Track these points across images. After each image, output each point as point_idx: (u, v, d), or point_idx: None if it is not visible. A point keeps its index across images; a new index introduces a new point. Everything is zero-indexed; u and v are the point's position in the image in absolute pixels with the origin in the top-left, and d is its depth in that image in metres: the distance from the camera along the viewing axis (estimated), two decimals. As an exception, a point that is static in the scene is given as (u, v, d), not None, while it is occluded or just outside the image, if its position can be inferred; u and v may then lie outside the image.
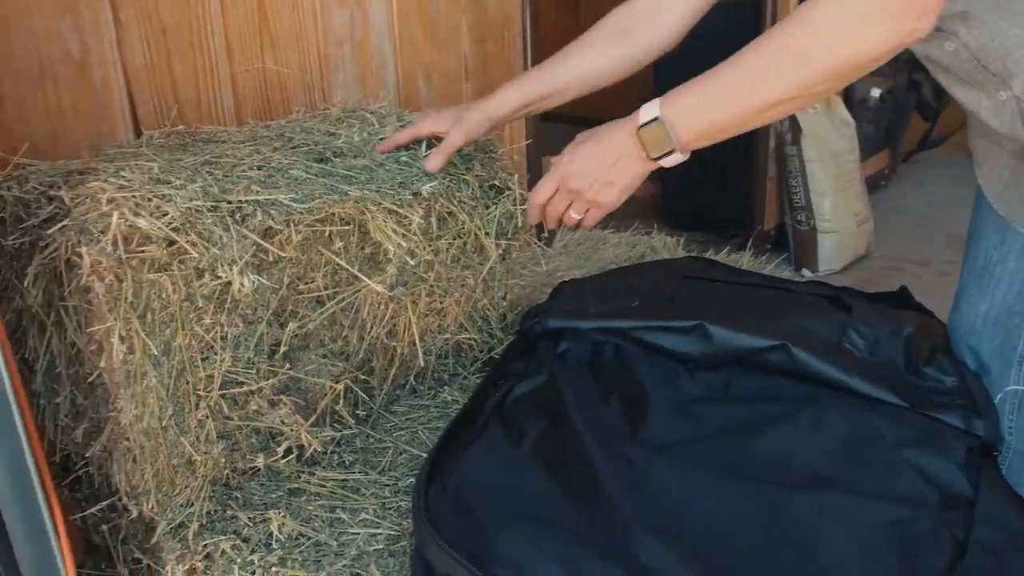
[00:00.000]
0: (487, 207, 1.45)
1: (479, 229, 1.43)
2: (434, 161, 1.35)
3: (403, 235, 1.30)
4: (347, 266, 1.26)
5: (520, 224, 1.50)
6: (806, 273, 3.30)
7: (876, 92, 3.71)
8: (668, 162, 1.10)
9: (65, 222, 1.10)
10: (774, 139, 3.32)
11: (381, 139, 1.45)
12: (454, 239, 1.41)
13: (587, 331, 1.39)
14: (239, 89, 1.70)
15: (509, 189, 1.48)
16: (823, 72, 0.97)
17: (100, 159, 1.35)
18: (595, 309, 1.43)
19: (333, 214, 1.22)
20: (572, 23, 4.62)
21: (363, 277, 1.28)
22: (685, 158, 1.09)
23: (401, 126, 1.52)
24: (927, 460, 1.14)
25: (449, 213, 1.39)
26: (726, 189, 3.42)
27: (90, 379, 1.19)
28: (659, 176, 3.84)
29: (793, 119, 3.22)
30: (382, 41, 1.94)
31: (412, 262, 1.33)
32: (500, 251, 1.48)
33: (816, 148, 3.24)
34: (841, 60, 0.96)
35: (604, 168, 1.12)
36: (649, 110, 1.07)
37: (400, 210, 1.30)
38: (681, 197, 3.63)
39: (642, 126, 1.07)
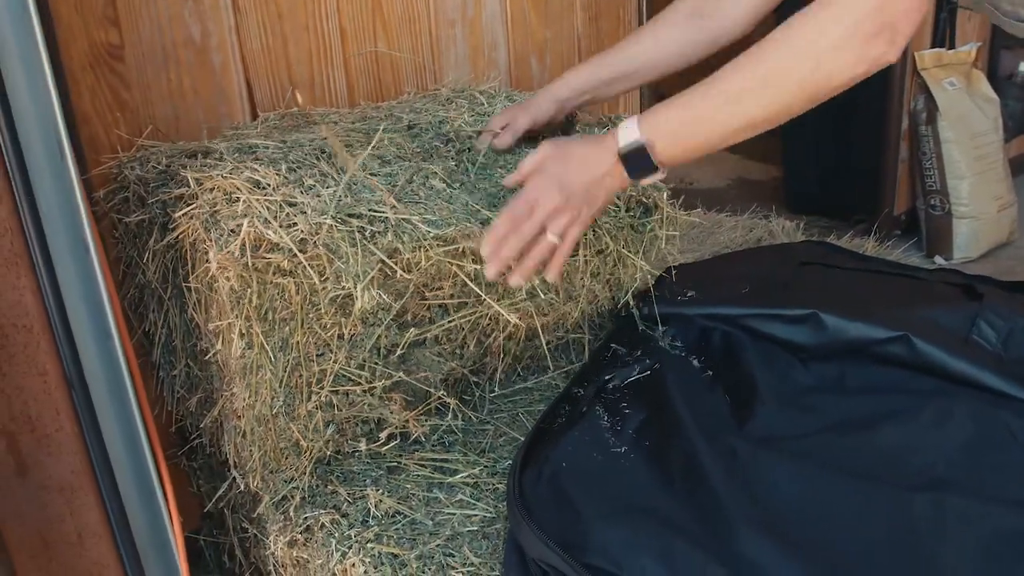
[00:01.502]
0: (634, 228, 1.37)
1: (624, 248, 1.36)
2: (502, 140, 1.34)
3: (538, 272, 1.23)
4: (476, 288, 1.20)
5: (664, 246, 1.40)
6: (939, 261, 3.11)
7: (1024, 67, 3.45)
8: (646, 181, 1.10)
9: (192, 207, 1.12)
10: (907, 119, 3.14)
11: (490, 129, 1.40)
12: (595, 255, 1.35)
13: (694, 317, 1.35)
14: (352, 71, 1.72)
15: (658, 208, 1.38)
16: (795, 97, 0.99)
17: (218, 140, 1.39)
18: (703, 295, 1.38)
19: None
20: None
21: (493, 303, 1.23)
22: (663, 176, 1.10)
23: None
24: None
25: (593, 234, 1.33)
26: (852, 171, 3.25)
27: (207, 356, 1.22)
28: (780, 157, 3.70)
29: (929, 96, 3.04)
30: (494, 21, 1.92)
31: (543, 294, 1.29)
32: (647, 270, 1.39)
33: (954, 128, 3.04)
34: (812, 86, 0.98)
35: (592, 182, 1.10)
36: (628, 132, 1.06)
37: None
38: (803, 179, 3.47)
39: (624, 150, 1.07)
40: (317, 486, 1.19)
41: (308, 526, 1.13)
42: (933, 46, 3.11)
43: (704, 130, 1.04)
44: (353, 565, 1.06)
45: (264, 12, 1.58)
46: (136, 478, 1.07)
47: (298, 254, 1.04)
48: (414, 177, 1.22)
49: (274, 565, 1.22)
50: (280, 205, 1.08)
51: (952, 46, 3.15)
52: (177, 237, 1.16)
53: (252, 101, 1.60)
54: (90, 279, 0.98)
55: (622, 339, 1.37)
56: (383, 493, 1.15)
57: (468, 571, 1.03)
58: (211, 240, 1.06)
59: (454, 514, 1.12)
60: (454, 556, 1.05)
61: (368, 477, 1.21)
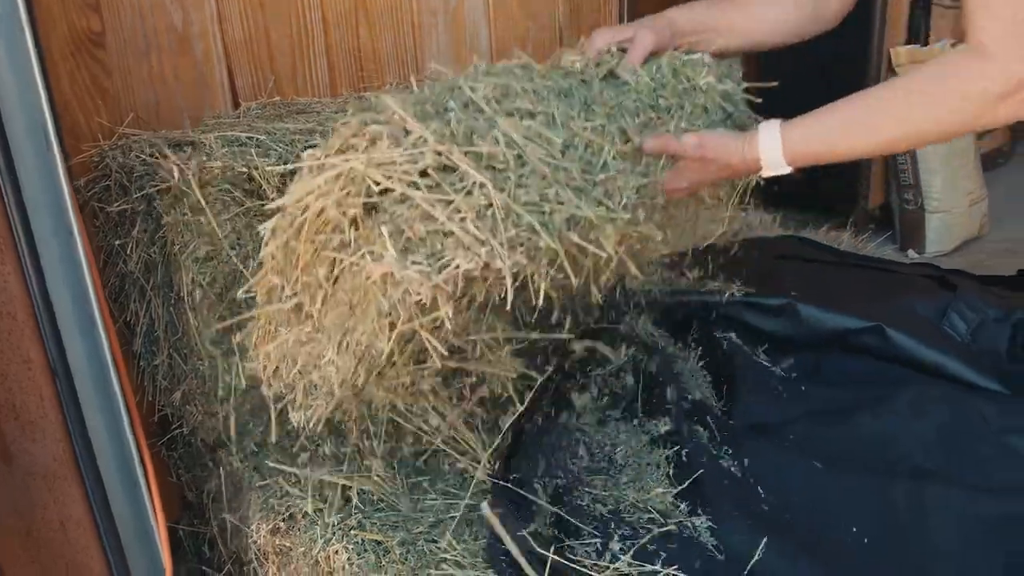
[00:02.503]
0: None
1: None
2: (634, 58, 1.22)
3: None
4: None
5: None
6: (912, 254, 3.16)
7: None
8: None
9: None
10: (882, 114, 3.17)
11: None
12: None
13: (673, 304, 1.36)
14: (334, 61, 1.72)
15: None
16: (930, 138, 1.06)
17: (201, 129, 1.39)
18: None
19: None
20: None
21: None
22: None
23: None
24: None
25: None
26: (829, 166, 3.29)
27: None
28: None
29: (904, 93, 3.07)
30: (475, 11, 1.93)
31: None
32: None
33: (928, 124, 3.08)
34: (952, 129, 1.03)
35: (723, 177, 1.20)
36: (775, 160, 1.12)
37: None
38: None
39: (769, 175, 1.16)
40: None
41: (291, 514, 1.14)
42: (908, 42, 3.15)
43: (838, 155, 1.11)
44: (336, 552, 1.07)
45: (246, 0, 1.58)
46: (119, 467, 1.07)
47: None
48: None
49: (255, 554, 1.23)
50: None
51: (926, 43, 3.19)
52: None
53: (234, 90, 1.59)
54: (74, 267, 0.97)
55: (602, 327, 1.39)
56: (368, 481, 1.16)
57: (451, 557, 1.04)
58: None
59: (436, 501, 1.13)
60: (437, 543, 1.06)
61: (352, 464, 1.21)
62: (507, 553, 1.02)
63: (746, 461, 1.10)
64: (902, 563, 0.99)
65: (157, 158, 1.25)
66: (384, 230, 0.90)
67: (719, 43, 1.30)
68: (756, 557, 0.96)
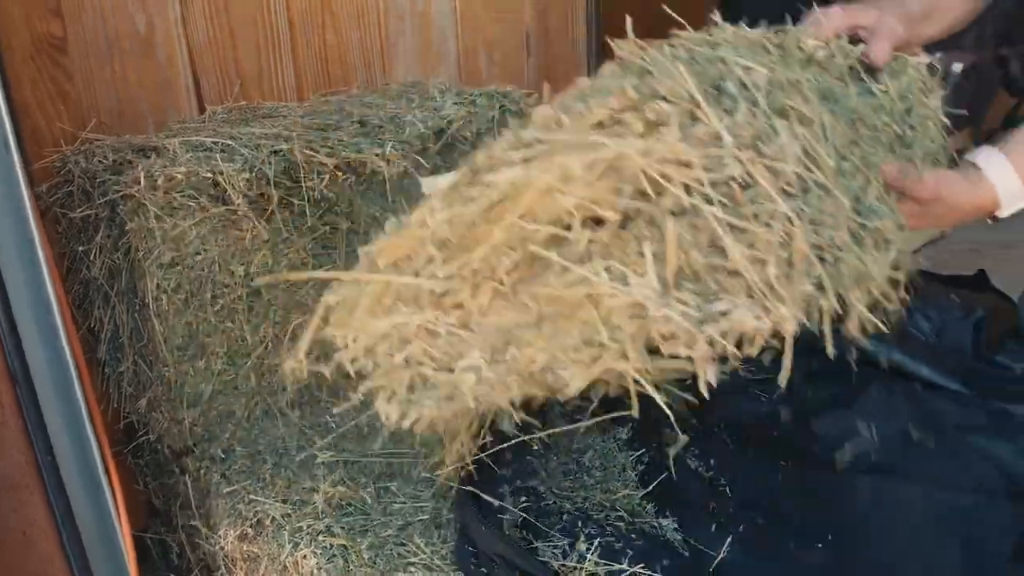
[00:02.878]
0: None
1: None
2: (882, 53, 0.98)
3: None
4: None
5: None
6: (878, 255, 3.21)
7: (958, 67, 3.54)
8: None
9: None
10: (848, 117, 3.20)
11: None
12: None
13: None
14: (300, 65, 1.71)
15: None
16: None
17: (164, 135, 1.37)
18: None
19: None
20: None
21: None
22: None
23: (456, 104, 1.51)
24: (995, 447, 1.09)
25: None
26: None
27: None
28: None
29: (868, 96, 3.11)
30: (443, 16, 1.93)
31: None
32: None
33: (892, 126, 3.12)
34: None
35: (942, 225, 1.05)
36: (1008, 181, 0.95)
37: None
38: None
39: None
40: (269, 477, 1.19)
41: (259, 519, 1.13)
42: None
43: None
44: (304, 557, 1.06)
45: (210, 4, 1.57)
46: (83, 474, 1.06)
47: None
48: None
49: (223, 560, 1.22)
50: None
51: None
52: None
53: (199, 93, 1.58)
54: (36, 274, 0.96)
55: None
56: (335, 485, 1.16)
57: (419, 560, 1.04)
58: None
59: (405, 504, 1.13)
60: (405, 546, 1.06)
61: (320, 468, 1.21)
62: (476, 555, 1.03)
63: (712, 461, 1.11)
64: (867, 560, 1.00)
65: (121, 163, 1.24)
66: (647, 249, 0.69)
67: (927, 33, 1.05)
68: (721, 555, 0.97)
